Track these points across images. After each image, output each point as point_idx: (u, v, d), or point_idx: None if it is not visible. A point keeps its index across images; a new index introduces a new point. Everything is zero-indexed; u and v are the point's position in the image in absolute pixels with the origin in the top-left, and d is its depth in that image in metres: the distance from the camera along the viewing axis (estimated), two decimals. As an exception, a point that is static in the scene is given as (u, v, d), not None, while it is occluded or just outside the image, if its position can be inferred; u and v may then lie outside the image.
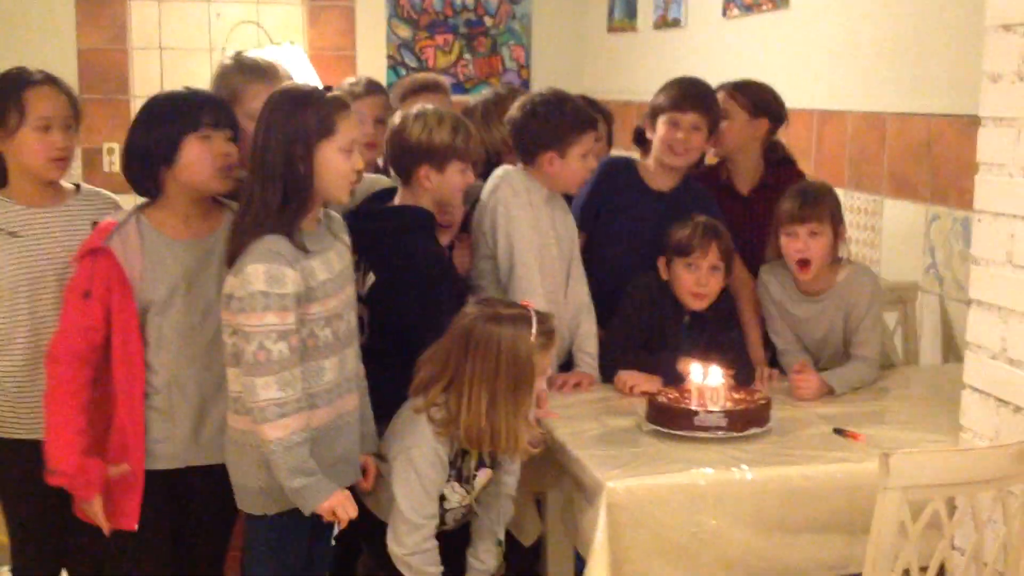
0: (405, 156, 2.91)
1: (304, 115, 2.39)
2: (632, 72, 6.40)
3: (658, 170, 3.38)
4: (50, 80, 2.80)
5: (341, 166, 2.44)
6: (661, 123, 3.33)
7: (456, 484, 2.58)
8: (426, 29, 6.99)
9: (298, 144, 2.38)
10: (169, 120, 2.55)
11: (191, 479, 2.60)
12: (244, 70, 2.93)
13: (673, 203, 3.32)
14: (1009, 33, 2.27)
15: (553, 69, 7.09)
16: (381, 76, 6.68)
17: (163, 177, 2.56)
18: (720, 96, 3.55)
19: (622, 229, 3.32)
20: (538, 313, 2.52)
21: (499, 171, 3.17)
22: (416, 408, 2.53)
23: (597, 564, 2.35)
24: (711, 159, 3.70)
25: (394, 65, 6.96)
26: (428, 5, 6.97)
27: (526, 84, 7.12)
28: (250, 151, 2.45)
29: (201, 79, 6.58)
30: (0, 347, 2.71)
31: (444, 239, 3.08)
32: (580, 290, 3.18)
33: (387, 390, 2.66)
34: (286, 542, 2.53)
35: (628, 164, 3.45)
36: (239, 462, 2.49)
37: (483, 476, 2.62)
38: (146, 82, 6.54)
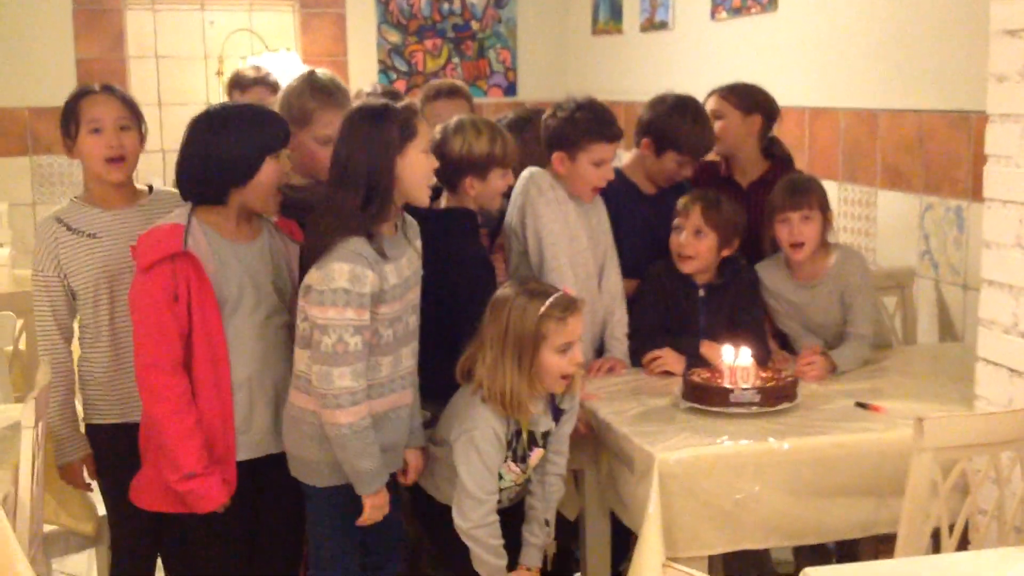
0: (449, 168, 3.04)
1: (387, 126, 2.59)
2: (618, 74, 6.59)
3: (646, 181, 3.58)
4: (105, 89, 2.95)
5: (424, 165, 2.65)
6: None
7: (512, 464, 2.76)
8: (415, 34, 7.18)
9: (382, 153, 2.57)
10: (255, 140, 2.68)
11: (269, 466, 2.76)
12: (317, 94, 3.06)
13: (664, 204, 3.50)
14: (1013, 38, 2.50)
15: (539, 71, 7.32)
16: (372, 80, 6.86)
17: (230, 190, 2.69)
18: (712, 100, 3.76)
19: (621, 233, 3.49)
20: (564, 295, 2.70)
21: (525, 172, 3.34)
22: (471, 391, 2.72)
23: (651, 530, 2.55)
24: (713, 156, 3.91)
25: (384, 69, 7.14)
26: (417, 11, 7.16)
27: (513, 87, 7.34)
28: (331, 164, 2.63)
29: (196, 86, 6.86)
30: (89, 341, 2.88)
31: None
32: (614, 280, 3.37)
33: (428, 380, 2.85)
34: (343, 515, 2.70)
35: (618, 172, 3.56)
36: (295, 434, 2.68)
37: (535, 455, 2.80)
38: (143, 90, 6.68)
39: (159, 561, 3.08)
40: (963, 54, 3.71)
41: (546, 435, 2.79)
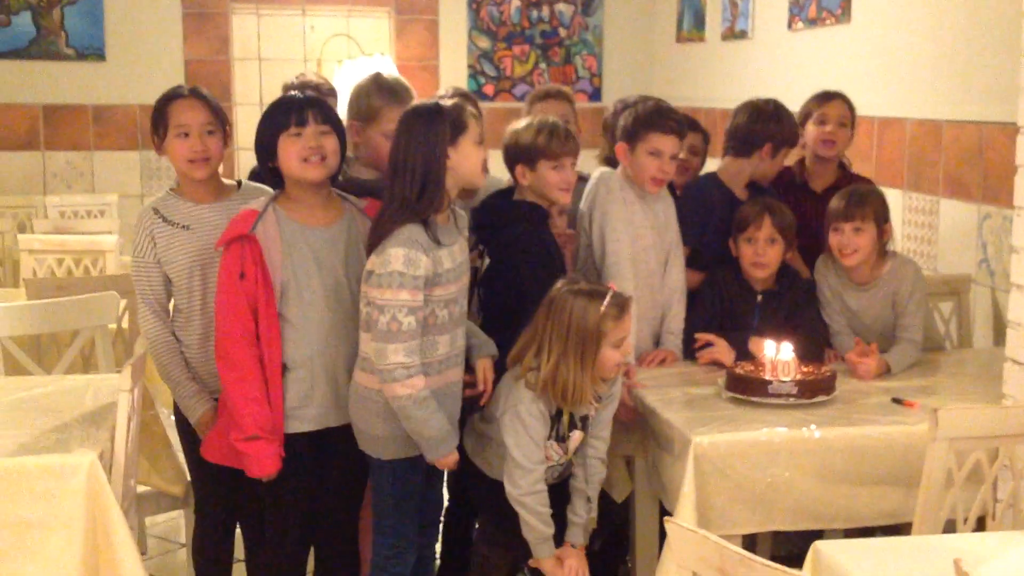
0: (505, 157, 3.34)
1: (440, 122, 2.84)
2: (700, 81, 6.75)
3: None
4: (194, 93, 3.18)
5: (477, 154, 2.90)
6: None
7: (554, 443, 2.96)
8: (504, 40, 7.42)
9: (435, 148, 2.82)
10: (267, 124, 2.96)
11: (330, 438, 3.00)
12: (384, 93, 3.32)
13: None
14: (1045, 53, 2.63)
15: (623, 78, 7.50)
16: (462, 84, 7.12)
17: (278, 172, 2.95)
18: (844, 104, 3.99)
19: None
20: (615, 292, 2.89)
21: (596, 173, 3.56)
22: (516, 376, 2.93)
23: (685, 508, 2.74)
24: (792, 159, 4.05)
25: (474, 74, 7.40)
26: (506, 18, 7.40)
27: (598, 92, 7.53)
28: (390, 158, 2.87)
29: (296, 87, 7.17)
30: (182, 323, 3.14)
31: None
32: (676, 276, 3.54)
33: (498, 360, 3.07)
34: (404, 486, 2.95)
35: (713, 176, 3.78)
36: (362, 411, 2.92)
37: (576, 437, 2.99)
38: (246, 90, 7.06)
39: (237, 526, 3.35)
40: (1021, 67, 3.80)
41: (584, 419, 2.98)
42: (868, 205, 3.48)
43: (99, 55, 6.96)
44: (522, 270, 3.18)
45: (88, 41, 6.94)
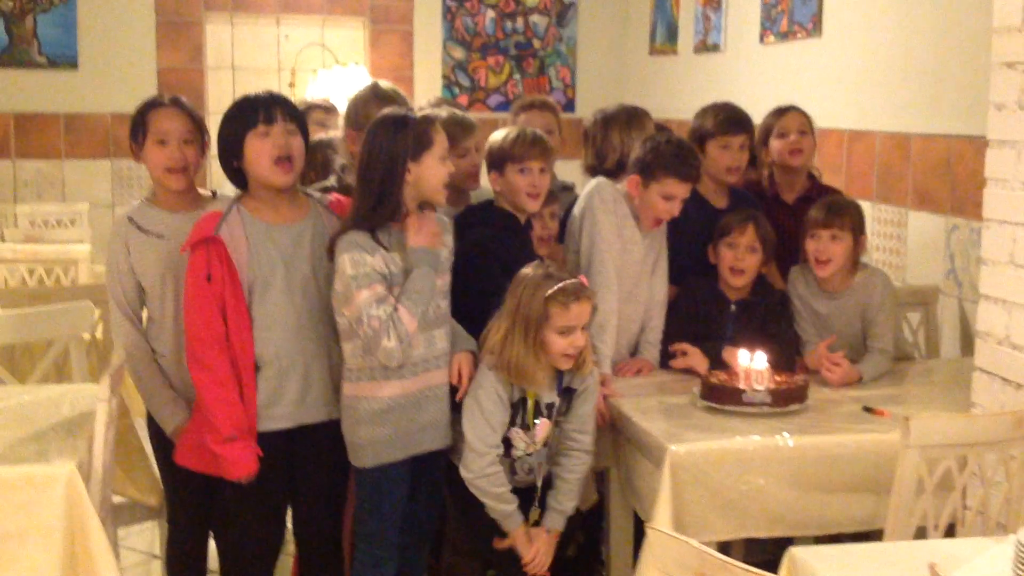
0: (486, 166, 3.37)
1: (404, 134, 2.85)
2: (673, 93, 6.81)
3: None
4: (174, 102, 3.18)
5: (440, 171, 2.90)
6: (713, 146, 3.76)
7: (520, 431, 2.98)
8: (479, 51, 7.46)
9: (398, 160, 2.83)
10: (233, 122, 2.94)
11: (301, 437, 3.00)
12: (381, 102, 3.32)
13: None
14: (1011, 70, 2.69)
15: (597, 89, 7.56)
16: (436, 93, 7.16)
17: (244, 171, 2.94)
18: (800, 114, 4.06)
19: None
20: (576, 283, 2.91)
21: (592, 182, 3.57)
22: (482, 360, 2.98)
23: (662, 515, 2.77)
24: (754, 174, 4.11)
25: (448, 84, 7.43)
26: (480, 29, 7.44)
27: (571, 103, 7.58)
28: (356, 167, 2.90)
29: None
30: (156, 334, 3.14)
31: (542, 250, 3.46)
32: (659, 290, 3.57)
33: None
34: (384, 493, 2.97)
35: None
36: (348, 421, 2.94)
37: (542, 426, 3.00)
38: (220, 98, 7.04)
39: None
40: (989, 83, 3.87)
41: (551, 407, 2.99)
42: (846, 215, 3.55)
43: (72, 63, 6.93)
44: (480, 272, 3.18)
45: (61, 49, 6.91)
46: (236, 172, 2.96)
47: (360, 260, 2.79)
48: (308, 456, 3.03)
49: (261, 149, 2.89)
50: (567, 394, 3.01)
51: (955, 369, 3.75)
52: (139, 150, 3.15)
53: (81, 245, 5.32)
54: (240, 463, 2.88)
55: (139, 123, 3.13)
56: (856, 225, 3.56)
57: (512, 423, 2.97)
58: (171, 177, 3.11)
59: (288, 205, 2.99)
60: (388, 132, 2.86)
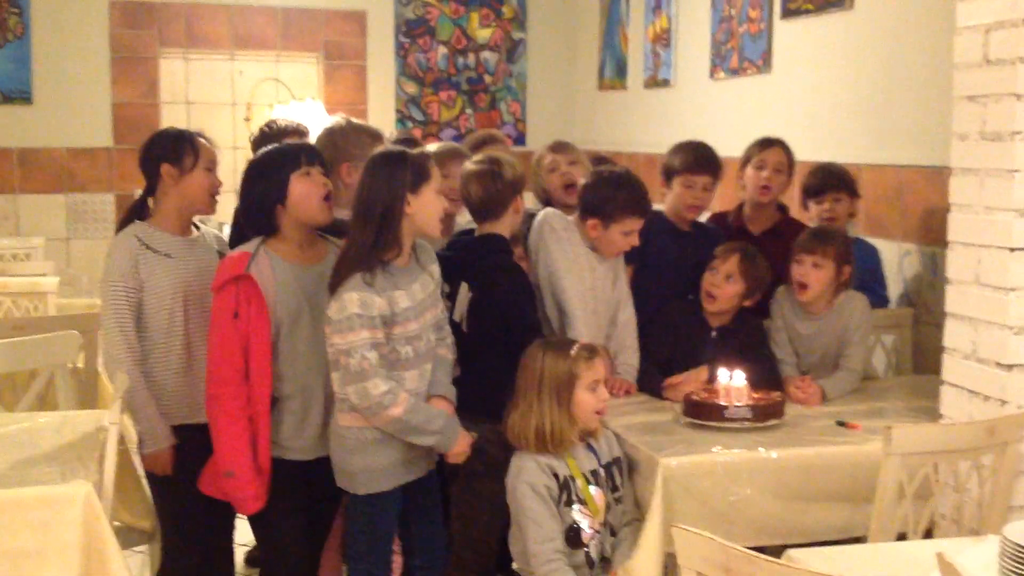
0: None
1: (403, 170, 2.96)
2: (623, 126, 7.00)
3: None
4: (201, 134, 3.39)
5: (437, 204, 3.02)
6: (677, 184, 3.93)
7: (579, 506, 3.01)
8: (431, 86, 7.62)
9: (397, 195, 2.94)
10: (277, 166, 3.09)
11: (320, 468, 3.10)
12: (364, 134, 3.52)
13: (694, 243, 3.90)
14: (972, 103, 2.89)
15: (547, 123, 7.75)
16: (391, 127, 7.29)
17: (278, 215, 3.08)
18: (782, 151, 4.21)
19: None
20: (586, 343, 3.09)
21: (540, 214, 3.70)
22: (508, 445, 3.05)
23: (653, 525, 2.90)
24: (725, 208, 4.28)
25: (402, 118, 7.57)
26: (433, 64, 7.59)
27: (522, 136, 7.76)
28: (354, 202, 2.99)
29: (224, 131, 7.27)
30: (163, 354, 3.25)
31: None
32: (629, 313, 3.69)
33: (488, 384, 3.22)
34: (376, 519, 3.07)
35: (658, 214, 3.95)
36: (339, 449, 3.04)
37: (597, 495, 3.05)
38: (175, 134, 7.07)
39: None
40: (938, 115, 4.10)
41: (595, 473, 3.06)
42: (831, 244, 3.66)
43: (26, 98, 6.93)
44: (507, 295, 3.34)
45: (15, 84, 6.92)
46: (262, 218, 3.08)
47: (370, 302, 2.87)
48: (326, 483, 3.10)
49: (310, 188, 3.05)
50: (607, 469, 3.09)
51: (911, 385, 3.94)
52: (181, 172, 3.26)
53: (49, 278, 5.32)
54: (240, 502, 3.02)
55: (191, 147, 3.27)
56: (840, 255, 3.66)
57: (569, 503, 3.00)
58: (212, 201, 3.31)
59: (310, 246, 3.13)
60: (388, 167, 2.97)
